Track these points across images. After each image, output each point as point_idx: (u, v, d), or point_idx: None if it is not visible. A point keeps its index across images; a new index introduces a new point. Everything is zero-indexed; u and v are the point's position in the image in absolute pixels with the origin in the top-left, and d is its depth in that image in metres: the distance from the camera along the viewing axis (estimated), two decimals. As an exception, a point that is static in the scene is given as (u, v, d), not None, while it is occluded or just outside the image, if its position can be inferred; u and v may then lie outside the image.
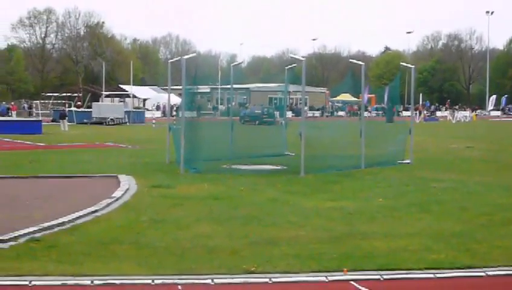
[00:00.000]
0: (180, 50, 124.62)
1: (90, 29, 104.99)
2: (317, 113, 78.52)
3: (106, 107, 61.63)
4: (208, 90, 66.17)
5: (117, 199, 13.81)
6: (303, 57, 25.68)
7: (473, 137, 39.32)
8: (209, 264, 8.69)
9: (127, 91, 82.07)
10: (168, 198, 14.26)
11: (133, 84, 77.67)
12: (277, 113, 50.18)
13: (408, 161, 22.45)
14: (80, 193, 15.18)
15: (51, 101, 76.92)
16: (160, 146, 25.54)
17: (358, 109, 60.51)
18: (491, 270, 8.61)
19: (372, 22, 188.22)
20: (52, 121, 55.66)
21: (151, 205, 13.33)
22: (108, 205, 13.09)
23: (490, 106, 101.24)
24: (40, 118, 50.59)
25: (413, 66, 25.91)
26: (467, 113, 79.46)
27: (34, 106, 70.96)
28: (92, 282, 7.91)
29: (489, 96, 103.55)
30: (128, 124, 56.98)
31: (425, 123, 63.95)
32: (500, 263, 8.92)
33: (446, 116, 78.43)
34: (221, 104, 68.87)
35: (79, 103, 74.92)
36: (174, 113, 45.94)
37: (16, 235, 10.00)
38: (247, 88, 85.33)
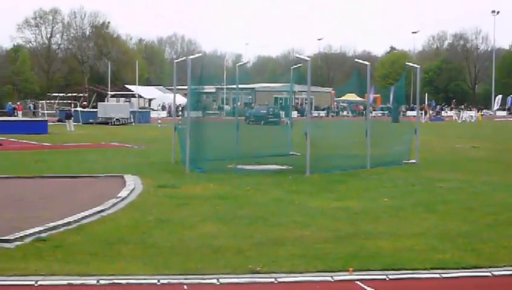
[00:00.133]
0: (185, 50, 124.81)
1: (96, 30, 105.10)
2: (322, 113, 78.50)
3: (112, 107, 61.69)
4: (214, 90, 66.13)
5: (123, 199, 13.84)
6: (308, 57, 25.69)
7: (479, 137, 39.24)
8: (214, 264, 8.70)
9: (132, 91, 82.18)
10: (174, 198, 14.28)
11: (139, 84, 77.84)
12: (282, 113, 50.16)
13: (414, 161, 22.42)
14: (85, 193, 15.22)
15: (56, 101, 77.11)
16: (165, 146, 25.57)
17: (363, 108, 60.47)
18: (497, 270, 8.59)
19: (378, 21, 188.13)
20: (58, 121, 55.78)
21: (156, 205, 13.35)
22: (114, 204, 13.11)
23: (496, 106, 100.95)
24: (45, 118, 50.69)
25: (418, 66, 25.85)
26: (473, 113, 79.26)
27: (40, 105, 71.11)
28: (97, 282, 7.92)
29: (495, 96, 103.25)
30: (133, 124, 57.04)
31: (431, 123, 63.83)
32: (506, 263, 8.90)
33: (452, 116, 78.26)
34: (226, 104, 68.87)
35: (85, 103, 75.11)
36: (180, 113, 46.00)
37: (22, 235, 10.03)
38: (253, 88, 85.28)
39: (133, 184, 15.96)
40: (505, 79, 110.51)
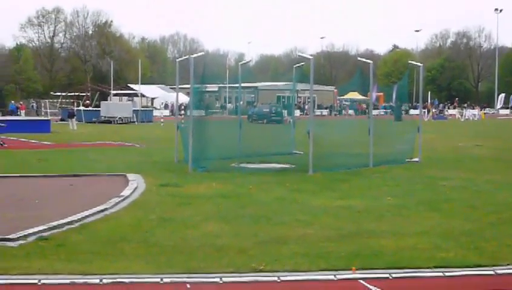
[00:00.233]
0: (188, 49, 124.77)
1: (99, 28, 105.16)
2: (325, 112, 78.54)
3: (114, 106, 61.73)
4: (216, 89, 66.10)
5: (125, 198, 13.84)
6: (311, 55, 25.64)
7: (482, 135, 39.18)
8: (217, 263, 8.70)
9: (135, 90, 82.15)
10: (177, 197, 14.28)
11: (141, 83, 77.77)
12: (285, 112, 50.18)
13: (416, 159, 22.40)
14: (88, 192, 15.23)
15: (59, 100, 77.13)
16: (168, 145, 25.57)
17: (366, 107, 60.39)
18: (500, 269, 8.58)
19: (381, 20, 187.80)
20: (61, 120, 55.81)
21: (159, 204, 13.35)
22: (116, 203, 13.11)
23: (499, 104, 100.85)
24: (48, 117, 50.74)
25: (421, 64, 25.82)
26: (476, 111, 79.16)
27: (42, 104, 71.17)
28: (100, 281, 7.92)
29: (498, 95, 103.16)
30: (136, 123, 57.05)
31: (433, 121, 63.77)
32: (509, 262, 8.89)
33: (455, 115, 78.17)
34: (229, 103, 68.87)
35: (87, 101, 75.09)
36: (182, 112, 45.98)
37: (24, 234, 10.04)
38: (255, 87, 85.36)
39: (135, 183, 15.97)
40: (508, 77, 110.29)
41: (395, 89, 36.52)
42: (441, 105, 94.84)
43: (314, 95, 26.48)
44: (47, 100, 71.97)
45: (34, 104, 76.86)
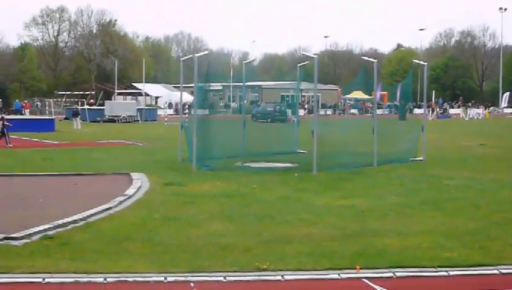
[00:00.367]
0: (192, 48, 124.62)
1: (103, 28, 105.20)
2: (329, 111, 78.46)
3: (119, 105, 61.74)
4: (220, 88, 66.14)
5: (130, 197, 13.86)
6: (315, 54, 25.61)
7: (486, 134, 39.09)
8: (221, 262, 8.70)
9: (139, 89, 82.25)
10: (181, 196, 14.29)
11: (146, 82, 77.85)
12: (289, 111, 50.14)
13: (421, 159, 22.38)
14: (92, 191, 15.25)
15: (63, 99, 77.23)
16: (172, 144, 25.59)
17: (370, 106, 60.39)
18: (504, 268, 8.57)
19: (385, 19, 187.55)
20: (65, 119, 55.88)
21: (163, 203, 13.36)
22: (121, 202, 13.13)
23: (503, 104, 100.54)
24: (53, 116, 50.80)
25: (425, 63, 25.78)
26: (480, 110, 79.01)
27: (47, 103, 71.23)
28: (104, 279, 7.94)
29: (503, 94, 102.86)
30: (140, 122, 57.07)
31: (438, 120, 63.68)
32: (513, 261, 8.88)
33: (459, 114, 78.04)
34: (233, 102, 68.89)
35: (91, 101, 75.13)
36: (187, 111, 46.00)
37: (29, 232, 10.06)
38: (259, 86, 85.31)
39: (139, 182, 15.98)
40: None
41: (399, 88, 36.53)
42: (445, 104, 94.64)
43: (319, 94, 26.45)
44: (51, 99, 71.95)
45: (39, 103, 76.95)
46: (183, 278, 8.03)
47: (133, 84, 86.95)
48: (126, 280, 7.93)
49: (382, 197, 14.42)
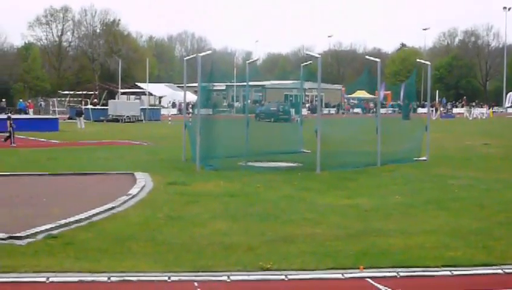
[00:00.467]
0: (195, 47, 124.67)
1: (107, 27, 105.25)
2: (332, 110, 78.45)
3: (122, 104, 61.78)
4: (224, 87, 66.17)
5: (133, 196, 13.87)
6: (318, 54, 25.62)
7: (490, 134, 39.02)
8: (225, 261, 8.70)
9: (143, 89, 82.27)
10: (184, 195, 14.30)
11: (149, 82, 77.86)
12: (292, 111, 50.14)
13: (424, 158, 22.35)
14: (96, 190, 15.27)
15: (67, 99, 77.30)
16: (176, 143, 25.60)
17: (374, 106, 60.28)
18: (508, 268, 8.56)
19: (388, 18, 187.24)
20: (69, 118, 55.94)
21: (167, 202, 13.37)
22: (124, 202, 13.14)
23: (507, 103, 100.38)
24: (56, 116, 50.87)
25: (429, 63, 25.75)
26: (484, 110, 78.91)
27: (51, 103, 71.32)
28: (108, 279, 7.95)
29: (507, 93, 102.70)
30: (144, 121, 57.09)
31: (441, 120, 63.61)
32: (518, 261, 8.86)
33: (463, 113, 77.96)
34: (236, 102, 68.90)
35: (95, 100, 75.18)
36: (190, 110, 46.00)
37: (33, 232, 10.08)
38: (263, 85, 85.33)
39: (143, 181, 15.99)
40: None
41: (403, 87, 36.42)
42: (449, 104, 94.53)
43: (322, 94, 26.46)
44: (55, 99, 72.07)
45: (42, 102, 77.04)
46: (187, 278, 8.03)
47: (136, 83, 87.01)
48: (130, 280, 7.93)
49: (386, 196, 14.41)
